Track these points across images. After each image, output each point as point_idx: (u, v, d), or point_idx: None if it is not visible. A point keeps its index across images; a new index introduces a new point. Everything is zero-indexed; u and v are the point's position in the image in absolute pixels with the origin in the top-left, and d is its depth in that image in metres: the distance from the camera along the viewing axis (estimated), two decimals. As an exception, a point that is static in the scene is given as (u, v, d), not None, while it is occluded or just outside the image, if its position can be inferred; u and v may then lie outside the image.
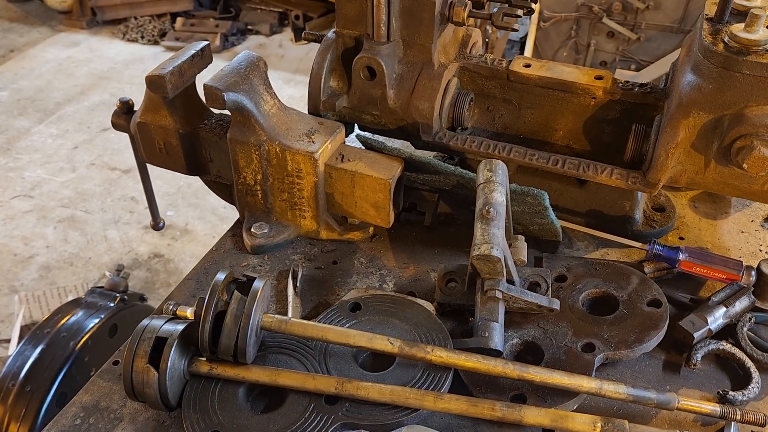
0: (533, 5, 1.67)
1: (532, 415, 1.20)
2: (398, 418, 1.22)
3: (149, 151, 1.77)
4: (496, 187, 1.37)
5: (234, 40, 6.83)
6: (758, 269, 1.52)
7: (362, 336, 1.29)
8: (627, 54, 5.13)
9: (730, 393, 1.33)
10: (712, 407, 1.26)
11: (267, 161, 1.62)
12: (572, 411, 1.27)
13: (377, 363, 1.35)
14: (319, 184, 1.62)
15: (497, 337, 1.32)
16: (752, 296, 1.48)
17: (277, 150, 1.60)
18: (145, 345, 1.23)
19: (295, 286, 1.58)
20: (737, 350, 1.41)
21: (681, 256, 1.56)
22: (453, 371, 1.31)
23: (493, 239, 1.30)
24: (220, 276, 1.28)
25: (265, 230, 1.69)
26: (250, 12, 7.20)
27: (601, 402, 1.33)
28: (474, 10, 1.65)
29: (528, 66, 1.71)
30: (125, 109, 1.80)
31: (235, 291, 1.27)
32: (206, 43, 1.71)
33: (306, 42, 1.75)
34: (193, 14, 7.08)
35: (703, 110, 1.43)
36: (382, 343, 1.28)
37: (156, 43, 6.79)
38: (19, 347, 2.42)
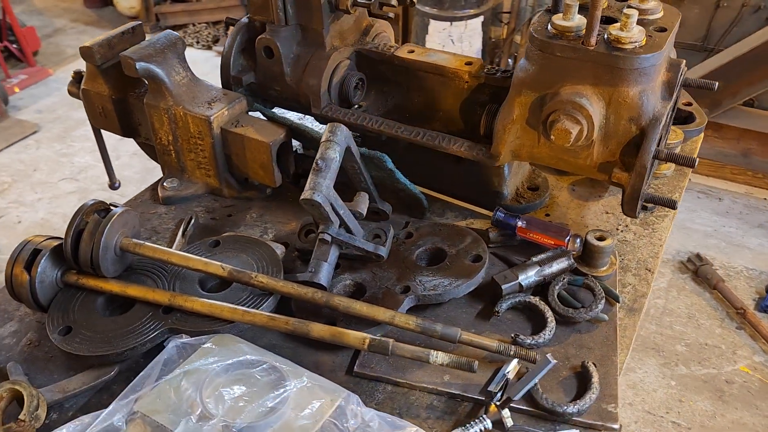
0: (416, -2, 1.88)
1: (316, 329, 1.40)
2: (215, 327, 1.45)
3: (93, 114, 2.08)
4: (331, 145, 1.59)
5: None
6: (585, 239, 1.66)
7: (199, 261, 1.53)
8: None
9: (521, 336, 1.49)
10: (490, 342, 1.42)
11: (175, 124, 1.89)
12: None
13: (220, 289, 1.58)
14: (216, 145, 1.87)
15: (322, 274, 1.54)
16: (572, 260, 1.63)
17: (181, 114, 1.86)
18: (24, 254, 1.51)
19: (184, 229, 1.84)
20: (540, 303, 1.56)
21: (519, 223, 1.72)
22: (279, 298, 1.53)
23: (317, 186, 1.52)
24: (89, 202, 1.55)
25: (174, 184, 1.96)
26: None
27: (407, 336, 1.51)
28: (358, 0, 1.88)
29: (411, 52, 1.91)
30: (78, 78, 2.12)
31: (95, 214, 1.53)
32: (139, 23, 2.01)
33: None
34: (246, 23, 7.53)
35: (530, 89, 1.60)
36: (215, 267, 1.52)
37: (209, 48, 7.29)
38: None
